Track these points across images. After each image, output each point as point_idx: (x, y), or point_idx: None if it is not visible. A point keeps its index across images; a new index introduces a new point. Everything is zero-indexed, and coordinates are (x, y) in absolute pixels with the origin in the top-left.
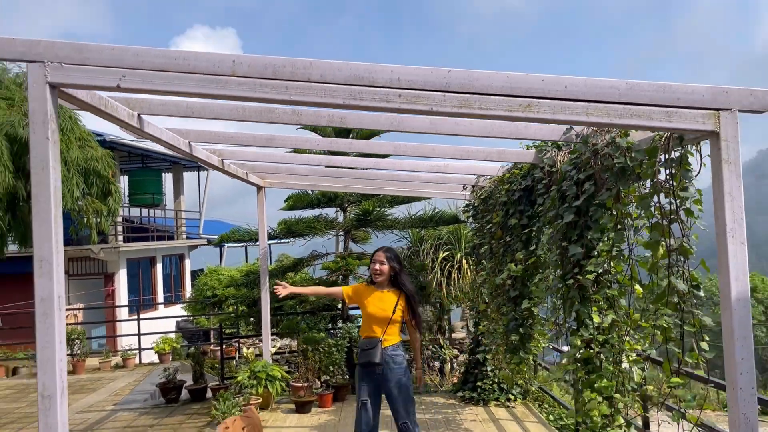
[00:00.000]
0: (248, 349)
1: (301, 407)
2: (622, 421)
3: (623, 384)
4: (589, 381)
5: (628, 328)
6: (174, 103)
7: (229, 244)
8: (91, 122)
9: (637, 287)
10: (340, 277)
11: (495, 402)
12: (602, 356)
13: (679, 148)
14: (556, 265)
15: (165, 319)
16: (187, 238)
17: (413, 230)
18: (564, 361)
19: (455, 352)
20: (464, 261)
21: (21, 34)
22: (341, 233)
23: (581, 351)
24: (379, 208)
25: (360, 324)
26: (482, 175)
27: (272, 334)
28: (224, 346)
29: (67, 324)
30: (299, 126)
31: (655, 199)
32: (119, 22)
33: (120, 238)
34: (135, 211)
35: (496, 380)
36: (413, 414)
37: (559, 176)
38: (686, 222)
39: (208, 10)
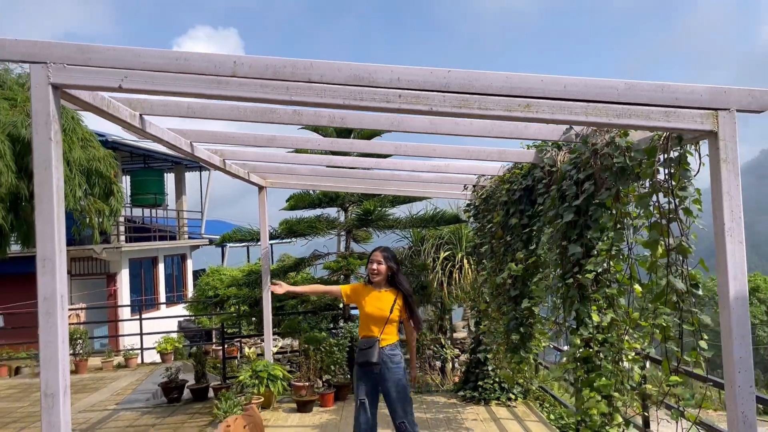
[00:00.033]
0: (250, 348)
1: (303, 406)
2: (620, 419)
3: (622, 383)
4: (588, 380)
5: (627, 327)
6: (175, 104)
7: (231, 244)
8: (93, 123)
9: (637, 286)
10: (342, 276)
11: (496, 401)
12: (601, 355)
13: (678, 148)
14: (555, 265)
15: (167, 319)
16: (189, 238)
17: (414, 230)
18: (564, 360)
19: (456, 351)
20: (465, 260)
21: (21, 35)
22: (342, 233)
23: (581, 350)
24: (380, 207)
25: None
26: (483, 175)
27: (274, 333)
28: (226, 346)
29: (69, 324)
30: (300, 126)
31: (654, 198)
32: (121, 23)
33: (122, 238)
34: (137, 211)
35: (497, 380)
36: (411, 414)
37: (559, 176)
38: (685, 221)
39: (210, 10)
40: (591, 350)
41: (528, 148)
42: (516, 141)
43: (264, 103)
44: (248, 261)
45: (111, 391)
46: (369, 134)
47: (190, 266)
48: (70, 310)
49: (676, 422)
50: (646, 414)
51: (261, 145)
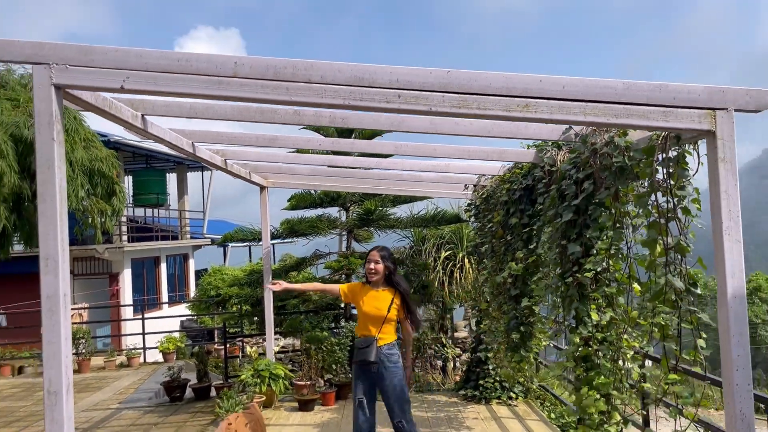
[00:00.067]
0: (252, 348)
1: (304, 405)
2: (618, 417)
3: (621, 381)
4: (587, 378)
5: (626, 326)
6: (177, 104)
7: (233, 244)
8: (95, 123)
9: (636, 285)
10: (343, 276)
11: (497, 400)
12: (600, 354)
13: (677, 148)
14: (555, 264)
15: (169, 319)
16: (191, 237)
17: (415, 229)
18: (563, 358)
19: (458, 351)
20: (466, 260)
21: (21, 35)
22: (344, 233)
23: (580, 349)
24: (381, 207)
25: None
26: (483, 175)
27: (275, 333)
28: (228, 345)
29: (72, 323)
30: (302, 126)
31: (653, 197)
32: (122, 23)
33: (124, 238)
34: (139, 211)
35: (498, 379)
36: (409, 413)
37: (559, 175)
38: (683, 220)
39: (212, 10)
40: (590, 349)
41: (528, 148)
42: (516, 141)
43: (265, 104)
44: (250, 261)
45: (113, 390)
46: (370, 134)
47: (192, 266)
48: (72, 309)
49: (675, 420)
50: (644, 413)
51: (262, 145)
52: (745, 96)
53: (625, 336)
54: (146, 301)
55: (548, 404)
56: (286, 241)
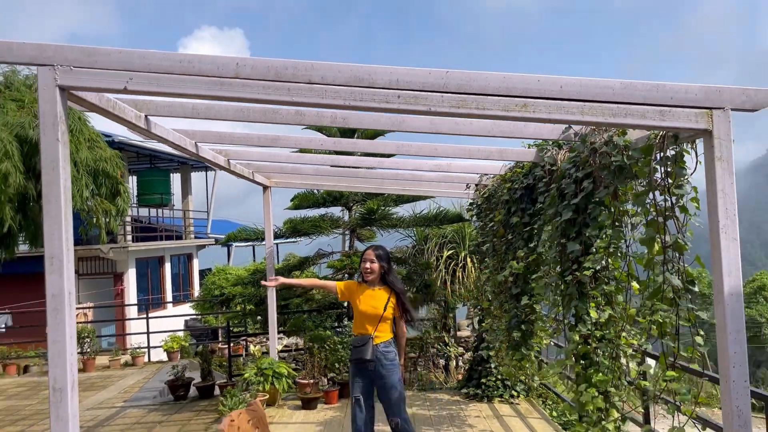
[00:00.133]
0: (255, 346)
1: (307, 404)
2: (617, 414)
3: (619, 378)
4: (586, 375)
5: (625, 324)
6: (180, 105)
7: (237, 244)
8: (99, 123)
9: (634, 283)
10: (346, 275)
11: (499, 399)
12: (599, 351)
13: (675, 147)
14: (555, 262)
15: (173, 318)
16: (195, 237)
17: (418, 229)
18: (562, 356)
19: (460, 349)
20: (468, 259)
21: (23, 35)
22: (347, 232)
23: (579, 346)
24: (383, 207)
25: None
26: (485, 174)
27: (279, 332)
28: (232, 344)
29: (77, 323)
30: (304, 126)
31: (651, 196)
32: (126, 23)
33: (129, 237)
34: (143, 211)
35: (500, 377)
36: (405, 411)
37: (559, 174)
38: (681, 219)
39: (216, 10)
40: (589, 347)
41: (529, 147)
42: (517, 140)
43: (267, 104)
44: (254, 260)
45: (118, 389)
46: (372, 134)
47: (196, 265)
48: (77, 309)
49: (672, 417)
50: (643, 410)
51: (265, 145)
52: (742, 95)
53: (624, 333)
54: (150, 300)
55: (550, 402)
56: (289, 240)
